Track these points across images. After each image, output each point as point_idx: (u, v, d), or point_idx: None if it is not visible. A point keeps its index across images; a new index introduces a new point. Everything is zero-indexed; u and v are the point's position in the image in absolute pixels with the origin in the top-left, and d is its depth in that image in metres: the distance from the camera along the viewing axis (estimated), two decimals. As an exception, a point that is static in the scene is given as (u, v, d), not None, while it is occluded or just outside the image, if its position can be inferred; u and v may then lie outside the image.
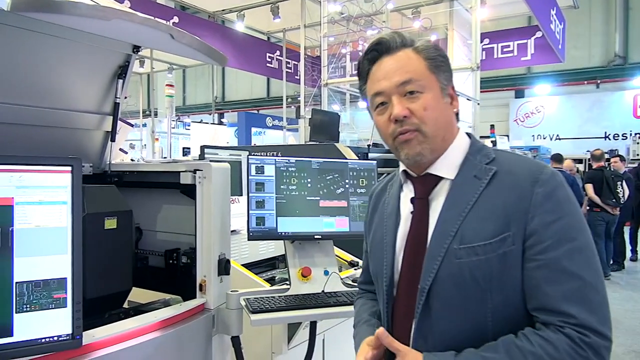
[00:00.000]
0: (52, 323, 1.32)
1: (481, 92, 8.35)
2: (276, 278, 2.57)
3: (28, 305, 1.28)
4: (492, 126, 12.38)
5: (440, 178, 1.12)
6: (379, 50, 1.14)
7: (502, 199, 1.03)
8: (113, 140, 2.25)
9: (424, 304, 1.06)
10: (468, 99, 7.86)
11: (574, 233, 1.00)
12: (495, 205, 1.03)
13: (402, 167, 1.22)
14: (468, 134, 1.17)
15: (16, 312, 1.27)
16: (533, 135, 16.58)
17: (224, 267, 1.98)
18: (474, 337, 1.02)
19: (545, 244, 0.99)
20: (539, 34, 11.02)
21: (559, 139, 16.23)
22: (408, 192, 1.20)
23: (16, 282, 1.27)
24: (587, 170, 8.87)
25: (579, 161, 12.73)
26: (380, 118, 1.14)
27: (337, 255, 2.38)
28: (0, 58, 1.74)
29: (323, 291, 2.04)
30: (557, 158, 8.31)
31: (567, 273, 0.97)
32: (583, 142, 15.28)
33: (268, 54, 13.74)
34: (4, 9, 1.25)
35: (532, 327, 0.99)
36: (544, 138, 16.40)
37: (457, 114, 1.17)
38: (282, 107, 14.93)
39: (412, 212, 1.16)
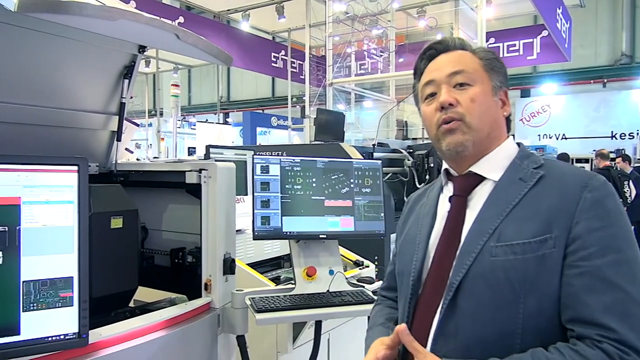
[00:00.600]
0: (58, 322, 1.32)
1: (487, 91, 8.31)
2: (281, 277, 2.58)
3: (35, 304, 1.29)
4: (498, 125, 12.31)
5: (481, 178, 1.10)
6: (437, 48, 1.16)
7: (546, 201, 0.99)
8: (119, 139, 2.26)
9: (451, 300, 1.01)
10: (474, 98, 7.82)
11: (621, 244, 0.94)
12: (539, 207, 0.99)
13: (444, 165, 1.20)
14: (518, 143, 1.16)
15: (23, 311, 1.28)
16: (539, 135, 16.49)
17: (229, 266, 1.99)
18: (500, 345, 0.95)
19: (588, 251, 0.93)
20: (544, 33, 10.96)
21: (565, 138, 16.13)
22: (447, 193, 1.17)
23: (23, 281, 1.28)
24: (592, 169, 8.83)
25: (585, 161, 12.66)
26: (427, 108, 1.14)
27: (342, 255, 2.38)
28: (7, 58, 1.76)
29: (328, 291, 2.04)
30: (563, 158, 8.28)
31: (610, 283, 0.90)
32: (590, 142, 15.18)
33: (273, 54, 13.74)
34: (11, 9, 1.26)
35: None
36: (550, 137, 16.31)
37: (508, 121, 1.16)
38: (287, 107, 14.92)
39: (448, 211, 1.13)
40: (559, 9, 9.82)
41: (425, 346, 1.02)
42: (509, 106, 1.16)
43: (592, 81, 15.64)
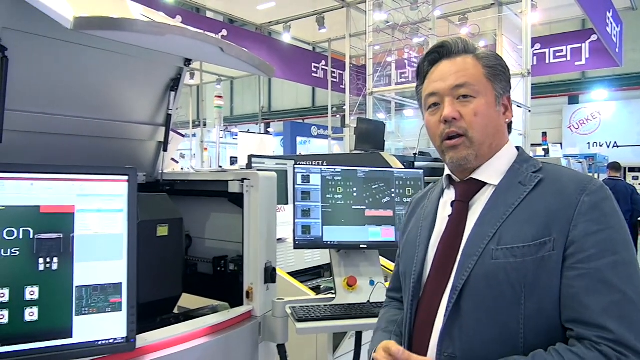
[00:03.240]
0: (108, 326, 1.37)
1: (532, 98, 8.11)
2: (321, 287, 2.58)
3: (87, 309, 1.35)
4: (545, 133, 11.96)
5: (483, 184, 1.13)
6: (440, 52, 1.15)
7: (545, 204, 1.02)
8: (165, 150, 2.33)
9: (455, 302, 1.03)
10: (519, 106, 7.65)
11: (618, 247, 0.96)
12: (538, 210, 1.02)
13: (446, 171, 1.23)
14: (517, 147, 1.18)
15: (75, 315, 1.33)
16: (588, 143, 15.84)
17: (270, 275, 2.00)
18: (504, 344, 0.98)
19: (587, 253, 0.96)
20: (594, 38, 10.58)
21: (617, 146, 15.42)
22: (448, 198, 1.21)
23: (76, 286, 1.34)
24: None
25: (639, 170, 12.06)
26: (431, 118, 1.15)
27: (382, 265, 2.36)
28: (63, 73, 1.85)
29: (369, 301, 2.02)
30: (615, 167, 7.91)
31: (608, 285, 0.93)
32: (643, 150, 14.47)
33: (314, 64, 13.87)
34: (68, 27, 1.32)
35: (566, 343, 0.95)
36: (601, 146, 15.64)
37: (510, 125, 1.18)
38: (327, 117, 14.99)
39: (449, 215, 1.16)
40: (609, 12, 9.47)
41: (428, 345, 1.07)
42: (511, 112, 1.17)
43: (645, 86, 14.92)
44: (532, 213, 1.02)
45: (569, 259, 0.97)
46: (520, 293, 0.98)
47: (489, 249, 1.02)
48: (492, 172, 1.12)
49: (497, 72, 1.13)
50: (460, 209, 1.14)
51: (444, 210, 1.19)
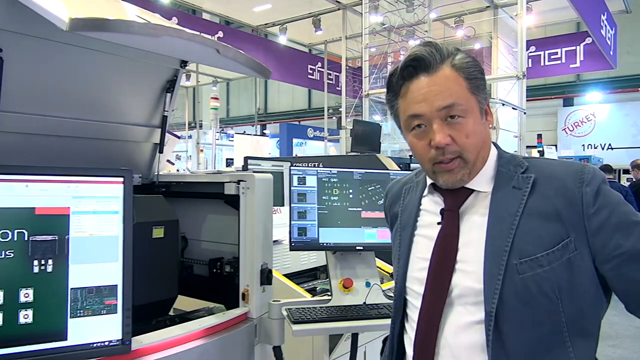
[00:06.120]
0: (103, 328, 1.37)
1: (527, 100, 8.14)
2: (317, 289, 2.58)
3: (82, 311, 1.34)
4: (540, 135, 12.00)
5: (471, 190, 1.10)
6: (415, 67, 1.06)
7: (551, 205, 1.01)
8: (161, 151, 2.33)
9: (494, 330, 0.98)
10: (514, 108, 7.68)
11: (632, 216, 1.00)
12: (546, 213, 1.01)
13: (429, 180, 1.18)
14: (493, 143, 1.14)
15: (70, 317, 1.33)
16: (583, 145, 15.92)
17: (266, 276, 2.00)
18: (554, 356, 0.98)
19: (615, 238, 0.97)
20: (588, 40, 10.64)
21: (612, 148, 15.50)
22: (431, 201, 1.17)
23: (71, 288, 1.33)
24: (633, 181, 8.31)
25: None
26: (418, 142, 1.08)
27: (378, 267, 2.36)
28: (58, 74, 1.84)
29: (365, 303, 2.02)
30: (607, 169, 7.95)
31: None
32: (637, 152, 14.53)
33: (310, 66, 13.88)
34: (63, 28, 1.32)
35: (596, 336, 1.01)
36: (595, 147, 15.71)
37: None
38: (323, 118, 15.02)
39: (439, 223, 1.12)
40: (604, 15, 9.53)
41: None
42: (491, 115, 1.13)
43: (639, 89, 15.01)
44: (541, 217, 1.01)
45: (601, 252, 0.99)
46: (557, 300, 0.97)
47: (512, 265, 0.99)
48: (482, 180, 1.09)
49: (478, 82, 1.07)
50: (451, 218, 1.10)
51: (426, 217, 1.17)
